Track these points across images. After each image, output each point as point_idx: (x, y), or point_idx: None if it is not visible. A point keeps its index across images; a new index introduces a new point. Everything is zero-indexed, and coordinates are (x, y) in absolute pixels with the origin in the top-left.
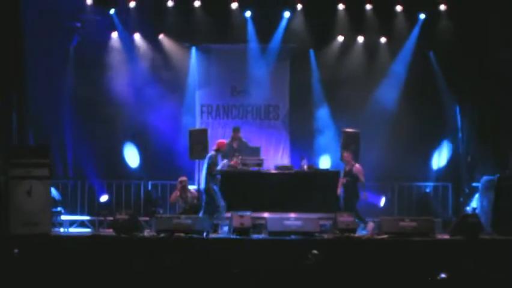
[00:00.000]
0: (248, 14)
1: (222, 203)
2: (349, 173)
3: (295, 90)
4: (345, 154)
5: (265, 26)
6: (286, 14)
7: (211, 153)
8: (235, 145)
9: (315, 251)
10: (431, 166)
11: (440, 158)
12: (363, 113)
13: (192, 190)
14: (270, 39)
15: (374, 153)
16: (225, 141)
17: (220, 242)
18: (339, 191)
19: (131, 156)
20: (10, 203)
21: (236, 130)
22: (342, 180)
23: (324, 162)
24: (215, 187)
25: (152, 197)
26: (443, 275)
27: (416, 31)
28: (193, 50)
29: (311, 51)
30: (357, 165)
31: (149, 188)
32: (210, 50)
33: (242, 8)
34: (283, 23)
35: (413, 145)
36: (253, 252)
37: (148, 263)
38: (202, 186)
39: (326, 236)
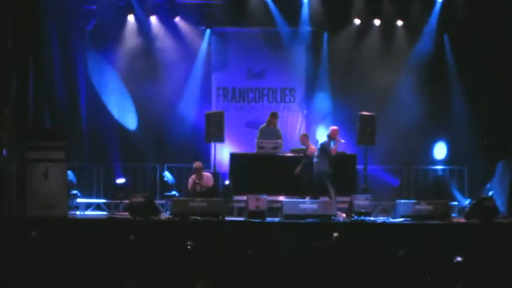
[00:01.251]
0: None
1: (332, 188)
2: (306, 155)
3: (311, 73)
4: (301, 136)
5: (282, 9)
6: None
7: (324, 139)
8: (272, 127)
9: (336, 234)
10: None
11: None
12: (379, 96)
13: (208, 174)
14: (286, 22)
15: (390, 136)
16: (337, 128)
17: (235, 224)
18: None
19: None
20: (27, 186)
21: (274, 115)
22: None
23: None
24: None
25: (168, 180)
26: (459, 259)
27: (434, 15)
28: (209, 33)
29: (325, 35)
30: (312, 146)
31: (165, 171)
32: (225, 33)
33: None
34: (301, 6)
35: (429, 128)
36: (269, 236)
37: (164, 246)
38: (315, 170)
39: (341, 219)
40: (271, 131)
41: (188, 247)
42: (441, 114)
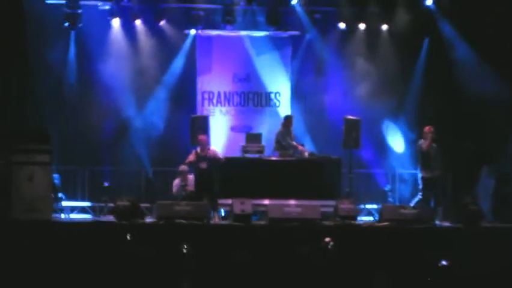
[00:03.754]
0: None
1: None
2: (205, 158)
3: (296, 77)
4: (202, 137)
5: (267, 12)
6: (294, 1)
7: (420, 141)
8: (293, 134)
9: (328, 239)
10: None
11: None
12: (364, 100)
13: (192, 177)
14: (272, 27)
15: (376, 140)
16: (429, 127)
17: (220, 228)
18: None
19: None
20: (12, 189)
21: (288, 118)
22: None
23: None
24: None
25: (153, 184)
26: (444, 262)
27: (418, 19)
28: (195, 37)
29: (310, 39)
30: (211, 148)
31: (150, 174)
32: (211, 38)
33: None
34: (286, 10)
35: (413, 131)
36: (254, 239)
37: (149, 250)
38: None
39: (326, 223)
40: (291, 136)
41: (184, 251)
42: (423, 118)
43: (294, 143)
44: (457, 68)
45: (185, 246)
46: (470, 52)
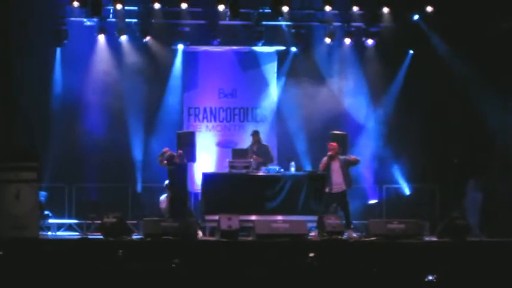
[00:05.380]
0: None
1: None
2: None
3: (282, 92)
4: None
5: (253, 28)
6: (279, 16)
7: (325, 158)
8: (255, 148)
9: (312, 254)
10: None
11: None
12: (350, 116)
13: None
14: (257, 41)
15: (362, 155)
16: (333, 144)
17: (208, 244)
18: None
19: None
20: None
21: (255, 134)
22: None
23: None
24: None
25: (140, 200)
26: (430, 277)
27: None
28: (180, 52)
29: (296, 54)
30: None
31: (138, 191)
32: (197, 53)
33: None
34: (272, 25)
35: (398, 146)
36: (241, 255)
37: (136, 267)
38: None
39: (313, 238)
40: (253, 150)
41: (173, 265)
42: (409, 132)
43: (254, 156)
44: (442, 81)
45: (175, 261)
46: (458, 63)
